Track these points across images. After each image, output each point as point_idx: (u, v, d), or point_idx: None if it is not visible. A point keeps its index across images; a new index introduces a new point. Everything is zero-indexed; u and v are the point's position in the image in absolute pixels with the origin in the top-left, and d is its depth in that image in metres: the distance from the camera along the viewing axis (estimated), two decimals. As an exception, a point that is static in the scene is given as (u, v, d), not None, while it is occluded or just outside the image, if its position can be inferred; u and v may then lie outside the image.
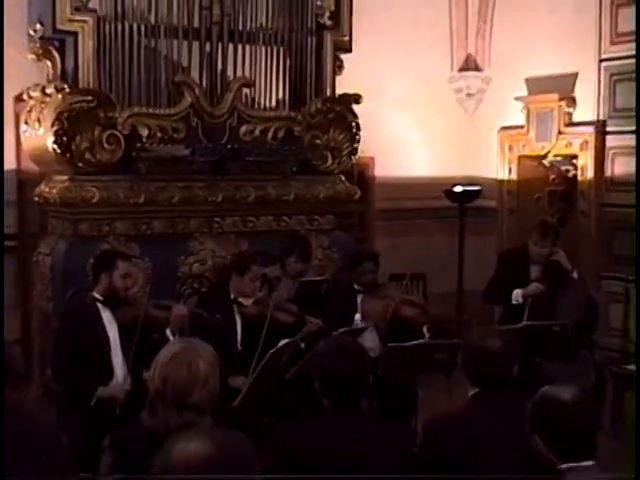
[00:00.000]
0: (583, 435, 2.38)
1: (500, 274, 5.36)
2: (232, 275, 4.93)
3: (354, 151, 6.34)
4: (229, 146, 5.78)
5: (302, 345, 4.66)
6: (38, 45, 5.64)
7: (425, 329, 4.92)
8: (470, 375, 2.91)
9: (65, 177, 5.51)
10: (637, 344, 5.35)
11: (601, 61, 6.82)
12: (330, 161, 6.24)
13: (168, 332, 4.42)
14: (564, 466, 2.34)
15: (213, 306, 4.77)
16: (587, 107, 6.99)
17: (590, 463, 2.35)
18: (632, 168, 6.60)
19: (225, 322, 4.69)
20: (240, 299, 4.83)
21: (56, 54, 5.63)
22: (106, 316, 4.46)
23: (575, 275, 5.11)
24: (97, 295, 4.49)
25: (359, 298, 5.21)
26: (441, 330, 4.95)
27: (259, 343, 4.50)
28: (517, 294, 5.10)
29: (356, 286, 5.23)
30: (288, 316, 4.83)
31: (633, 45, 6.48)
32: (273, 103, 6.13)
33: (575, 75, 7.08)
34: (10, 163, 6.02)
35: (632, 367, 5.66)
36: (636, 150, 6.33)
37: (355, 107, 6.28)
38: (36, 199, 5.73)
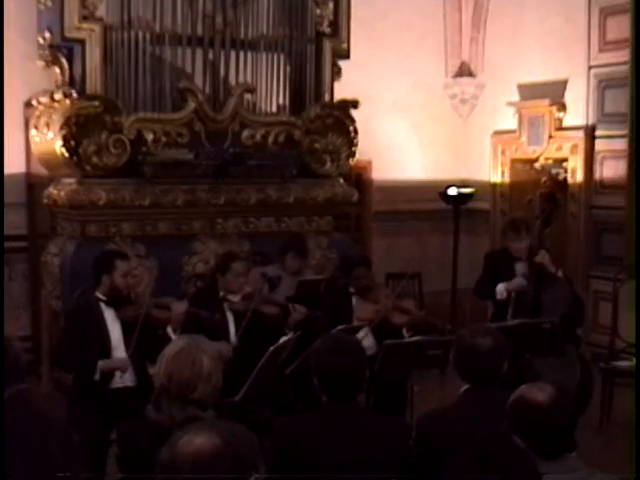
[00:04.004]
0: (561, 433, 2.39)
1: (487, 273, 5.45)
2: (217, 275, 5.01)
3: (352, 155, 6.47)
4: (231, 150, 5.92)
5: (291, 334, 4.66)
6: (47, 53, 5.76)
7: (404, 330, 4.99)
8: (461, 371, 2.95)
9: (73, 180, 5.64)
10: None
11: (590, 68, 6.96)
12: (329, 164, 6.37)
13: (169, 330, 4.44)
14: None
15: (204, 305, 4.80)
16: (577, 112, 7.14)
17: (572, 454, 2.40)
18: (620, 171, 6.74)
19: (221, 321, 4.76)
20: (229, 296, 4.89)
21: (64, 61, 5.75)
22: (109, 315, 4.47)
23: (560, 274, 5.16)
24: (100, 295, 4.50)
25: (354, 300, 5.25)
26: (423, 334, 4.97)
27: (247, 335, 4.61)
28: (501, 289, 5.12)
29: (351, 289, 5.27)
30: (274, 308, 4.90)
31: (621, 52, 6.61)
32: (274, 108, 6.26)
33: (565, 81, 7.23)
34: (20, 166, 6.15)
35: (621, 363, 5.78)
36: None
37: (353, 112, 6.41)
38: (45, 201, 5.85)
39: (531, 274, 5.13)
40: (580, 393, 4.81)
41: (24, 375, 2.85)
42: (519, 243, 5.21)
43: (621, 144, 6.69)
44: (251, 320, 4.73)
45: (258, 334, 4.64)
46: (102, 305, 4.50)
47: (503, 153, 7.85)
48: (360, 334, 4.88)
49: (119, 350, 4.42)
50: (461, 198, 7.51)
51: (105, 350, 4.41)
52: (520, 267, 5.25)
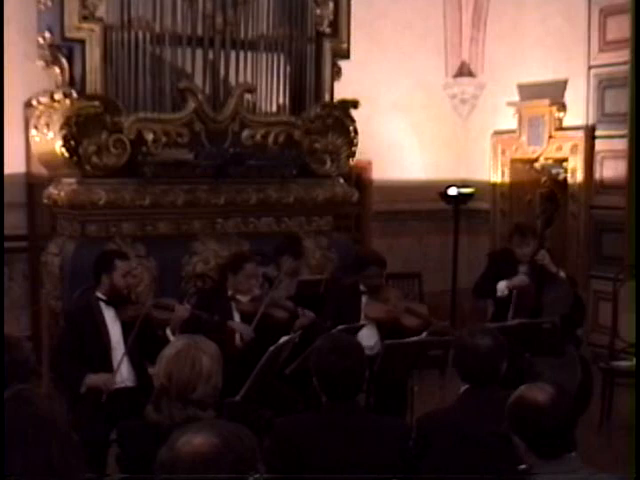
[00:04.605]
0: (561, 433, 2.39)
1: (490, 271, 5.43)
2: (228, 274, 5.02)
3: (352, 155, 6.47)
4: (231, 150, 5.92)
5: (296, 339, 4.68)
6: (47, 53, 5.76)
7: (424, 335, 4.95)
8: (460, 372, 2.96)
9: (73, 180, 5.64)
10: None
11: (590, 68, 6.97)
12: (329, 164, 6.36)
13: (168, 332, 4.44)
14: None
15: (212, 304, 4.84)
16: (577, 112, 7.15)
17: (572, 454, 2.40)
18: (620, 171, 6.76)
19: (223, 322, 4.76)
20: (237, 296, 4.90)
21: (64, 61, 5.74)
22: (109, 315, 4.48)
23: (562, 274, 5.18)
24: (100, 295, 4.51)
25: (363, 298, 5.23)
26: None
27: (255, 337, 4.64)
28: (502, 286, 5.13)
29: (362, 287, 5.24)
30: (283, 312, 4.91)
31: (621, 52, 6.62)
32: (274, 108, 6.26)
33: (565, 81, 7.23)
34: (20, 166, 6.15)
35: (621, 363, 5.79)
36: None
37: (353, 112, 6.41)
38: (45, 201, 5.84)
39: (532, 274, 5.15)
40: (581, 393, 4.82)
41: (31, 377, 2.85)
42: (525, 248, 5.20)
43: (621, 144, 6.69)
44: (260, 322, 4.74)
45: (265, 337, 4.64)
46: (102, 305, 4.51)
47: (503, 153, 7.85)
48: (366, 333, 4.90)
49: (118, 350, 4.42)
50: (461, 198, 7.51)
51: (105, 350, 4.41)
52: (523, 269, 5.25)
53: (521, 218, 7.33)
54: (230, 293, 4.94)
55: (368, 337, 4.96)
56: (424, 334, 4.81)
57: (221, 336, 4.58)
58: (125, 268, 4.56)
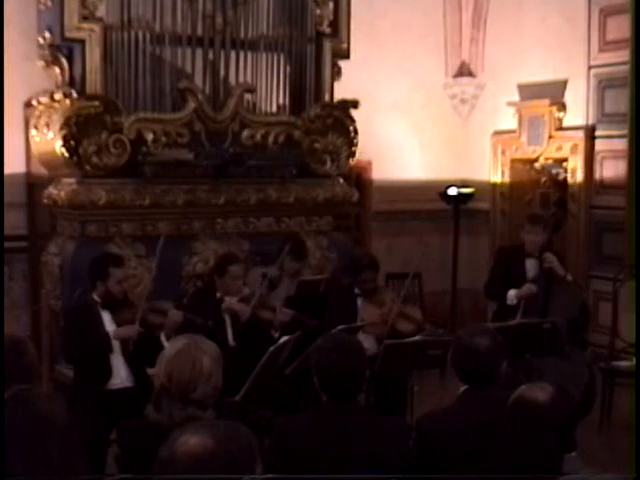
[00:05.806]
0: (561, 433, 2.39)
1: (497, 269, 5.47)
2: (215, 277, 5.03)
3: (352, 155, 6.48)
4: (231, 150, 5.93)
5: (276, 335, 4.72)
6: (47, 53, 5.76)
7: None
8: (459, 372, 2.96)
9: (73, 180, 5.64)
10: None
11: (590, 68, 6.98)
12: (329, 164, 6.37)
13: (162, 337, 4.41)
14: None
15: (201, 306, 4.83)
16: (577, 112, 7.15)
17: (572, 454, 2.43)
18: (620, 171, 6.76)
19: (216, 327, 4.73)
20: (226, 298, 4.90)
21: (64, 61, 5.74)
22: (106, 318, 4.48)
23: (570, 278, 5.22)
24: (96, 298, 4.49)
25: (359, 300, 5.24)
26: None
27: (245, 337, 4.67)
28: (511, 295, 5.18)
29: (356, 290, 5.26)
30: (270, 313, 4.92)
31: (621, 52, 6.62)
32: (274, 108, 6.26)
33: (565, 81, 7.24)
34: (20, 167, 6.15)
35: (621, 363, 5.79)
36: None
37: (353, 112, 6.41)
38: (45, 201, 5.84)
39: (540, 277, 5.16)
40: (586, 397, 4.82)
41: (35, 379, 2.85)
42: (534, 236, 5.26)
43: (621, 144, 6.69)
44: (249, 322, 4.74)
45: (255, 336, 4.66)
46: (99, 307, 4.50)
47: (503, 153, 7.85)
48: (362, 336, 4.89)
49: (116, 352, 4.42)
50: (461, 198, 7.53)
51: (102, 351, 4.39)
52: (530, 264, 5.28)
53: (520, 218, 7.32)
54: (219, 295, 4.94)
55: (365, 340, 4.95)
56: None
57: (216, 339, 4.60)
58: (120, 275, 4.51)
